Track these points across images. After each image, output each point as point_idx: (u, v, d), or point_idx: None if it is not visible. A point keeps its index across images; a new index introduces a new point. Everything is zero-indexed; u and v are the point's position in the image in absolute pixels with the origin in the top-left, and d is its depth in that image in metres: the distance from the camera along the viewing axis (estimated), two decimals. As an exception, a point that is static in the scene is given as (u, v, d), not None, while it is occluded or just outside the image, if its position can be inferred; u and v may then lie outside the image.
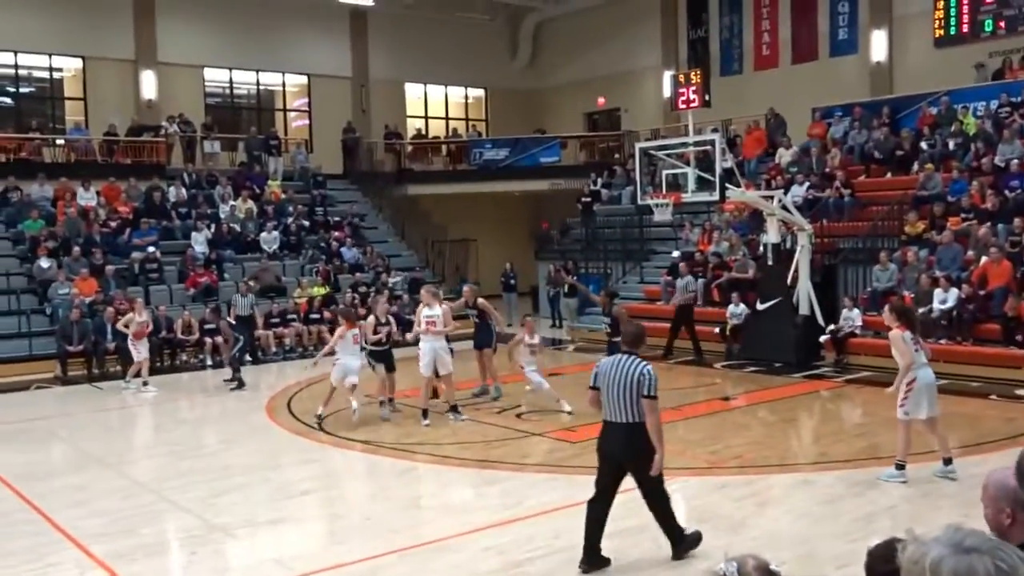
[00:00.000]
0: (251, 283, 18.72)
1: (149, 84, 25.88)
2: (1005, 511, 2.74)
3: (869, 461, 9.55)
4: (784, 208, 16.61)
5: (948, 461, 8.81)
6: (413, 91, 31.69)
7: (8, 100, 25.28)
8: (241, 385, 15.36)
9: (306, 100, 29.39)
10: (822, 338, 16.04)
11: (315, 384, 15.97)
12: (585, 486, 8.83)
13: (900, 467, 8.69)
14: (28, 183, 21.81)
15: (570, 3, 29.69)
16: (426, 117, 31.75)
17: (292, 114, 29.80)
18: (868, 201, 18.92)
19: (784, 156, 22.01)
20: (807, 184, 19.96)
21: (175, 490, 9.28)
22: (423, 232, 26.93)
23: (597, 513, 6.73)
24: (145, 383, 15.42)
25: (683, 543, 6.86)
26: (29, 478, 9.91)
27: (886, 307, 9.55)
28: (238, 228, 22.89)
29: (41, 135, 23.73)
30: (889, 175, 19.81)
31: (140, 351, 15.45)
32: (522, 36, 32.51)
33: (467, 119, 32.82)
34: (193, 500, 8.89)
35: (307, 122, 29.43)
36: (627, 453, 6.64)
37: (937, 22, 22.60)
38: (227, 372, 16.13)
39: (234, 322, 16.98)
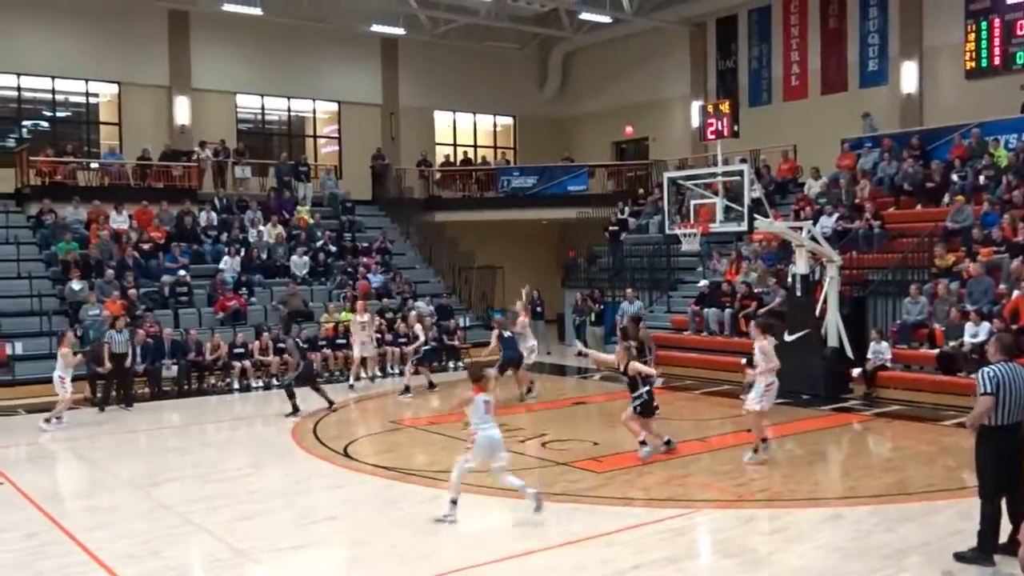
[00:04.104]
0: (280, 307, 18.53)
1: (183, 110, 26.28)
2: None
3: (899, 496, 9.44)
4: (813, 239, 16.53)
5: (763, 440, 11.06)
6: (442, 119, 31.96)
7: (45, 124, 25.71)
8: (295, 411, 14.96)
9: (336, 127, 29.68)
10: (855, 372, 15.88)
11: (340, 409, 16.04)
12: (609, 516, 8.83)
13: (764, 440, 11.08)
14: (62, 206, 22.12)
15: (599, 33, 29.83)
16: (455, 144, 31.93)
17: (322, 140, 30.09)
18: (898, 233, 18.79)
19: (813, 187, 21.93)
20: (836, 215, 19.88)
21: (200, 513, 9.31)
22: (450, 258, 27.02)
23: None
24: (59, 418, 14.49)
25: (980, 551, 7.17)
26: (57, 499, 10.00)
27: (752, 323, 12.15)
28: (267, 253, 23.09)
29: (76, 159, 24.06)
30: (919, 207, 19.68)
31: (66, 386, 14.60)
32: (551, 65, 32.73)
33: (495, 147, 32.99)
34: (218, 524, 8.91)
35: (337, 148, 29.70)
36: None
37: (968, 54, 22.48)
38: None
39: (305, 344, 16.53)
